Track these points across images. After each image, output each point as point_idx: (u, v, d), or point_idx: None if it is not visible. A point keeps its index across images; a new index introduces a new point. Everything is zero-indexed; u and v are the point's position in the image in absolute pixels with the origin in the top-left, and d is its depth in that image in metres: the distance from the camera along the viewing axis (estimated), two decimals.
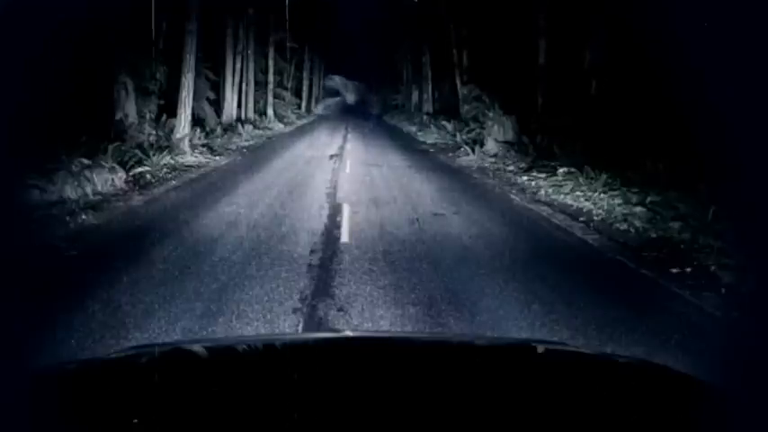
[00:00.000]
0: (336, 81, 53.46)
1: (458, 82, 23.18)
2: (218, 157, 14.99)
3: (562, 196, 10.36)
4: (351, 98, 45.60)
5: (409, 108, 35.11)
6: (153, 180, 10.87)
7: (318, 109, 45.84)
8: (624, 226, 8.06)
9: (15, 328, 3.59)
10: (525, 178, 12.36)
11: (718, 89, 6.50)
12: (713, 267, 6.06)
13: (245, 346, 1.76)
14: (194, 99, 15.65)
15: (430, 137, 22.37)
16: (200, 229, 7.22)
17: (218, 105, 21.21)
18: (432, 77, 29.79)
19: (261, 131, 23.09)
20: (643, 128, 10.75)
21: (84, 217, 7.63)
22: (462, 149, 17.23)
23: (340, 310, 4.70)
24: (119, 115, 13.22)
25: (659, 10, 8.28)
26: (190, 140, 14.69)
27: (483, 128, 17.86)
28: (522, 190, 11.30)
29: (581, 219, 8.73)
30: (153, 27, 14.44)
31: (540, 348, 1.84)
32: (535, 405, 1.22)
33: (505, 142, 15.99)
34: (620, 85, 12.49)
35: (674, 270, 6.09)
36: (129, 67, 13.54)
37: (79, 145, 10.10)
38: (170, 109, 14.96)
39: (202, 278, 5.29)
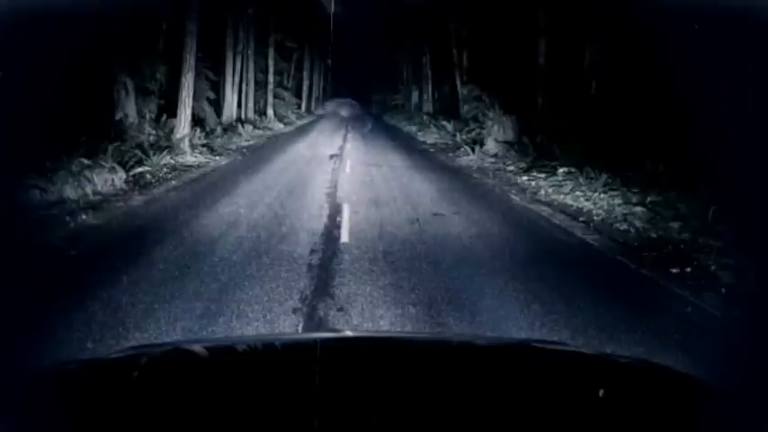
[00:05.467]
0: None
1: (458, 82, 23.17)
2: (218, 157, 14.98)
3: (562, 196, 10.36)
4: (347, 112, 45.91)
5: (409, 108, 35.09)
6: (153, 180, 10.86)
7: (319, 109, 45.85)
8: (624, 226, 8.06)
9: (15, 328, 3.59)
10: (525, 178, 12.36)
11: (718, 89, 6.50)
12: (713, 267, 6.06)
13: (245, 346, 1.76)
14: (194, 99, 15.65)
15: (430, 137, 22.36)
16: (200, 230, 7.22)
17: (218, 105, 21.20)
18: (432, 77, 29.79)
19: (261, 131, 23.08)
20: (643, 128, 10.74)
21: (84, 217, 7.62)
22: (462, 149, 17.23)
23: (340, 309, 4.70)
24: (119, 115, 13.22)
25: (659, 9, 8.28)
26: (190, 140, 14.69)
27: (483, 128, 17.86)
28: (523, 190, 11.30)
29: (581, 219, 8.73)
30: (153, 27, 14.44)
31: (540, 348, 1.84)
32: (535, 405, 1.22)
33: (505, 142, 15.99)
34: (620, 85, 12.49)
35: (675, 270, 6.09)
36: (129, 67, 13.53)
37: (79, 145, 10.10)
38: (170, 109, 14.95)
39: (202, 278, 5.29)
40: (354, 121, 34.89)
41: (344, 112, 45.32)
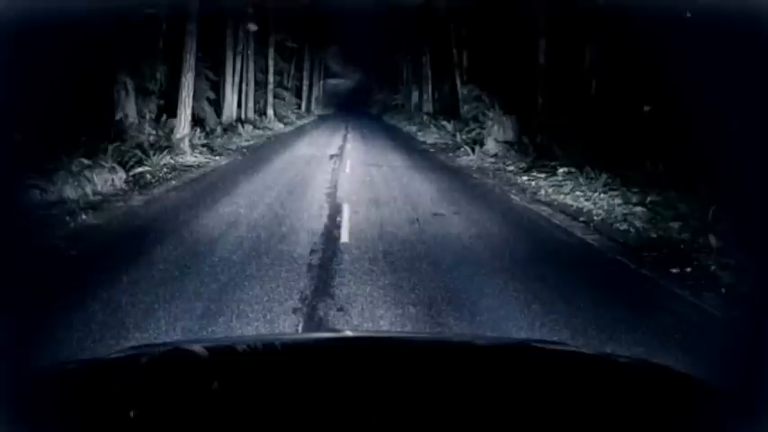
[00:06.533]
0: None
1: (458, 82, 23.17)
2: (218, 157, 14.99)
3: (562, 196, 10.36)
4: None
5: (409, 108, 35.12)
6: (153, 180, 10.87)
7: (318, 109, 45.85)
8: (624, 226, 8.06)
9: (16, 328, 3.58)
10: (525, 178, 12.36)
11: (718, 88, 6.50)
12: (713, 267, 6.06)
13: (245, 346, 1.76)
14: (194, 99, 15.65)
15: (430, 137, 22.37)
16: (200, 230, 7.22)
17: (218, 105, 21.21)
18: (432, 77, 29.82)
19: (261, 131, 23.09)
20: (643, 128, 10.74)
21: (84, 217, 7.63)
22: (462, 149, 17.23)
23: (340, 309, 4.70)
24: (119, 115, 13.22)
25: (658, 9, 8.28)
26: (190, 140, 14.69)
27: (483, 128, 17.86)
28: (523, 190, 11.30)
29: (581, 219, 8.73)
30: (153, 27, 14.44)
31: (540, 348, 1.84)
32: (535, 405, 1.22)
33: (505, 142, 15.99)
34: (621, 84, 12.49)
35: (675, 270, 6.09)
36: (129, 67, 13.54)
37: (79, 145, 10.10)
38: (170, 109, 14.96)
39: (202, 278, 5.29)
40: (354, 121, 34.88)
41: (344, 112, 45.29)
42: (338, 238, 7.07)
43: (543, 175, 12.01)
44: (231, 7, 21.12)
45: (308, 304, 4.79)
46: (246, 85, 24.48)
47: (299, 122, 32.15)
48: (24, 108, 6.87)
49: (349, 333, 3.57)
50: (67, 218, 7.48)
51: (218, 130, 18.86)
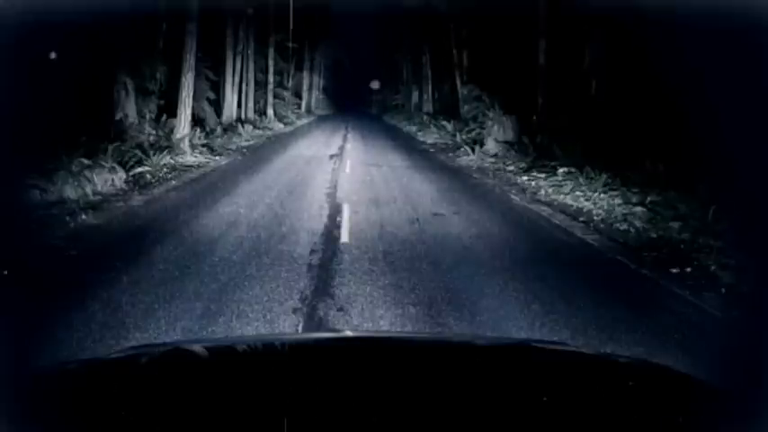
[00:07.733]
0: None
1: (458, 82, 23.18)
2: (218, 157, 14.99)
3: (562, 196, 10.35)
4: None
5: (409, 108, 35.15)
6: (153, 180, 10.87)
7: (318, 109, 45.87)
8: (624, 226, 8.06)
9: (16, 328, 3.59)
10: (525, 178, 12.35)
11: (718, 88, 6.50)
12: (713, 267, 6.06)
13: (245, 346, 1.76)
14: (194, 99, 15.66)
15: (430, 137, 22.37)
16: (200, 230, 7.22)
17: (218, 105, 21.21)
18: (432, 77, 29.84)
19: (261, 131, 23.10)
20: (643, 128, 10.75)
21: (84, 217, 7.63)
22: (462, 149, 17.23)
23: (340, 309, 4.70)
24: (119, 115, 13.23)
25: (658, 9, 8.28)
26: (190, 140, 14.69)
27: (483, 128, 17.87)
28: (523, 190, 11.29)
29: (581, 219, 8.73)
30: (153, 27, 14.45)
31: (540, 348, 1.84)
32: (535, 405, 1.22)
33: (505, 142, 15.99)
34: (620, 84, 12.49)
35: (675, 270, 6.09)
36: (129, 67, 13.55)
37: (79, 145, 10.11)
38: (170, 109, 14.96)
39: (202, 278, 5.29)
40: (354, 121, 34.90)
41: (344, 113, 45.31)
42: (338, 238, 7.07)
43: (543, 175, 12.00)
44: (231, 7, 21.12)
45: (307, 304, 4.79)
46: (246, 85, 24.49)
47: (299, 122, 32.17)
48: (25, 108, 6.87)
49: (349, 333, 3.57)
50: (67, 218, 7.48)
51: (218, 130, 18.88)
